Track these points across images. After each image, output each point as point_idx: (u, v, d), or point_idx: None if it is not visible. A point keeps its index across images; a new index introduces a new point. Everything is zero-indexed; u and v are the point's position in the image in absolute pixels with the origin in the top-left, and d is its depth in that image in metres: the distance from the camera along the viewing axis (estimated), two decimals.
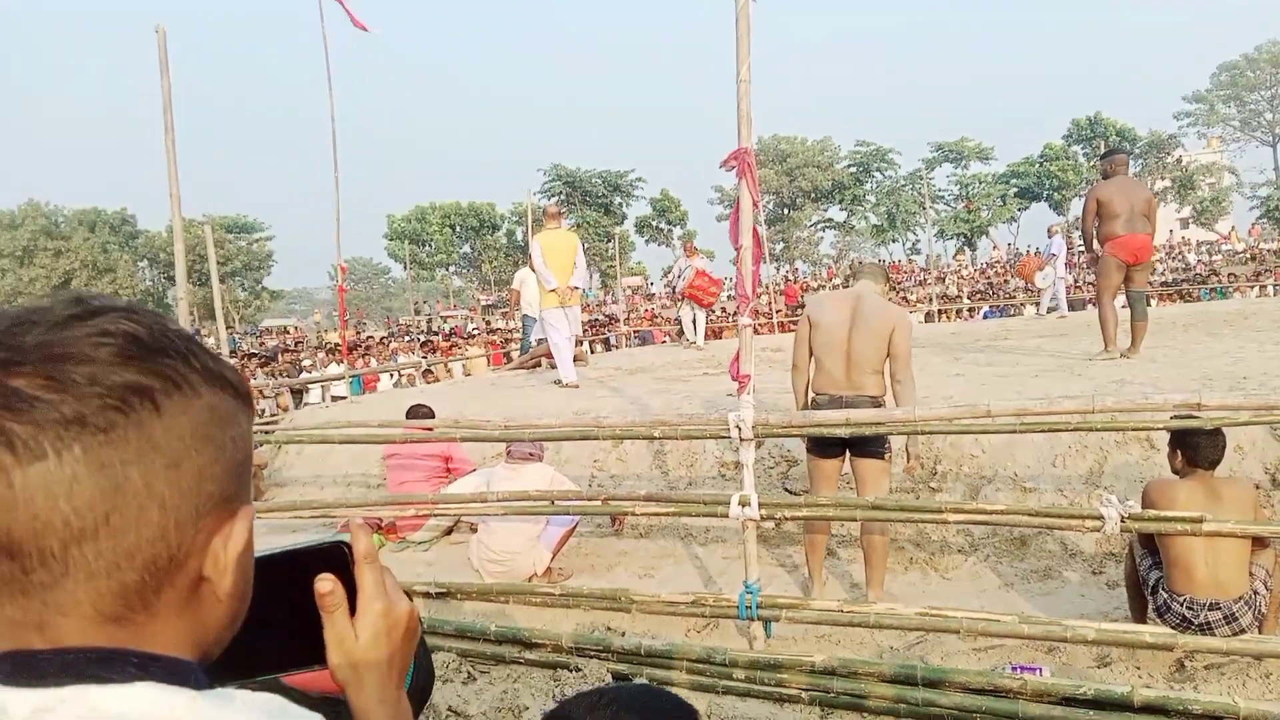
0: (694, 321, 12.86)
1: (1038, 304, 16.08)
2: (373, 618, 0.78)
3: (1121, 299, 8.00)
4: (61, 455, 0.57)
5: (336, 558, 0.79)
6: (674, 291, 13.54)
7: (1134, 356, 7.46)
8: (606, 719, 1.09)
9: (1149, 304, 8.44)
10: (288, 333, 36.57)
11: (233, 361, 13.13)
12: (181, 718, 0.58)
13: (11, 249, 45.03)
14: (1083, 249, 8.33)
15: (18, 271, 45.12)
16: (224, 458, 0.65)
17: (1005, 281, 33.12)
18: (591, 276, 56.33)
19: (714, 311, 13.39)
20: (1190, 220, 52.24)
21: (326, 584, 0.76)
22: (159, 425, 0.61)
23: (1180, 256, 39.48)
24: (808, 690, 3.54)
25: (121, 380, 0.59)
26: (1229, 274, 28.97)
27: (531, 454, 5.09)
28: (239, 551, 0.66)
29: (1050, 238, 16.54)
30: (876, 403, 4.31)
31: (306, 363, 19.47)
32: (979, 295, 30.85)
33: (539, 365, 11.43)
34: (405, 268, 39.70)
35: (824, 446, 4.33)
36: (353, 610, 0.78)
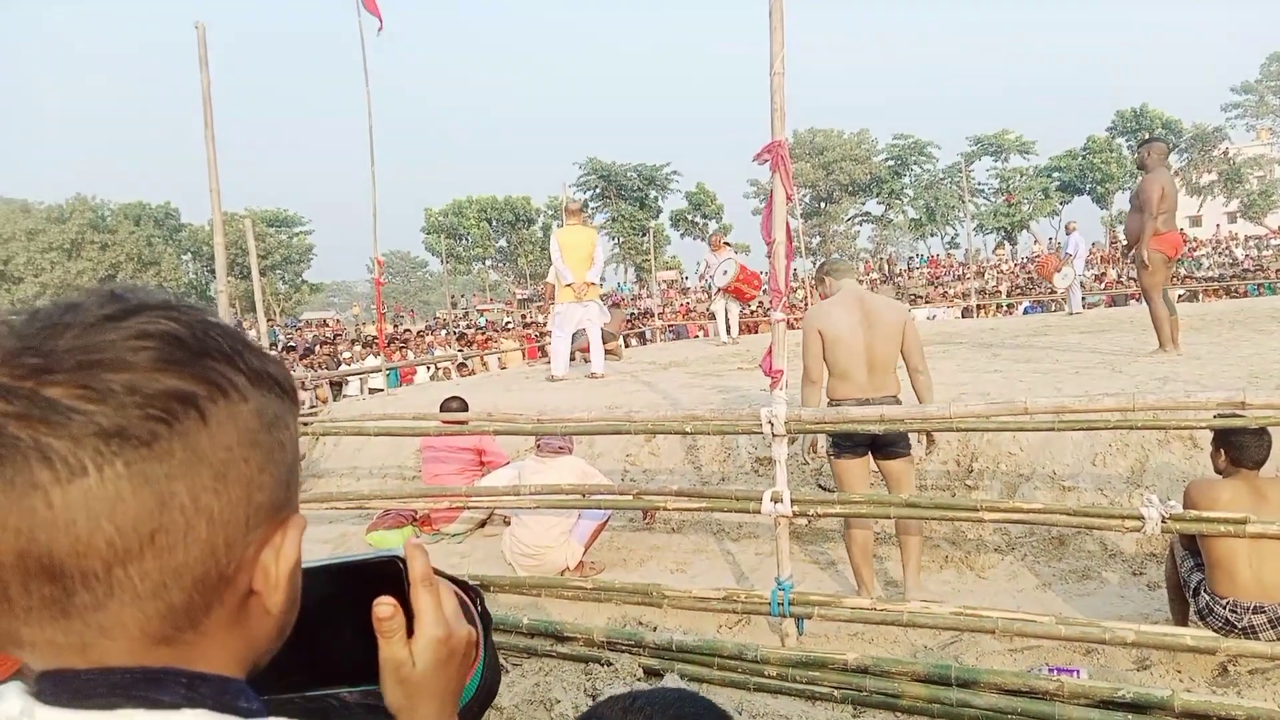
0: (726, 315, 12.70)
1: (1065, 307, 15.56)
2: (432, 646, 0.73)
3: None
4: (103, 471, 0.53)
5: (390, 574, 0.74)
6: (710, 287, 13.28)
7: (1176, 353, 7.35)
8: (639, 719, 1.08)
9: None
10: (326, 325, 36.99)
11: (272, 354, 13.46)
12: None
13: (60, 242, 45.99)
14: (1121, 243, 8.22)
15: (66, 264, 46.09)
16: (273, 464, 0.61)
17: (1103, 273, 32.66)
18: (627, 271, 56.52)
19: (748, 306, 13.17)
20: (1238, 214, 51.08)
21: (387, 608, 0.71)
22: (205, 435, 0.57)
23: (1227, 251, 38.65)
24: (840, 688, 3.52)
25: (163, 387, 0.55)
26: (1278, 269, 28.26)
27: (561, 448, 5.10)
28: (291, 564, 0.63)
29: (1068, 235, 16.18)
30: (898, 400, 4.28)
31: (345, 355, 19.68)
32: (1019, 290, 30.42)
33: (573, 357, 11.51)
34: (442, 261, 39.91)
35: (850, 448, 4.27)
36: (410, 631, 0.73)
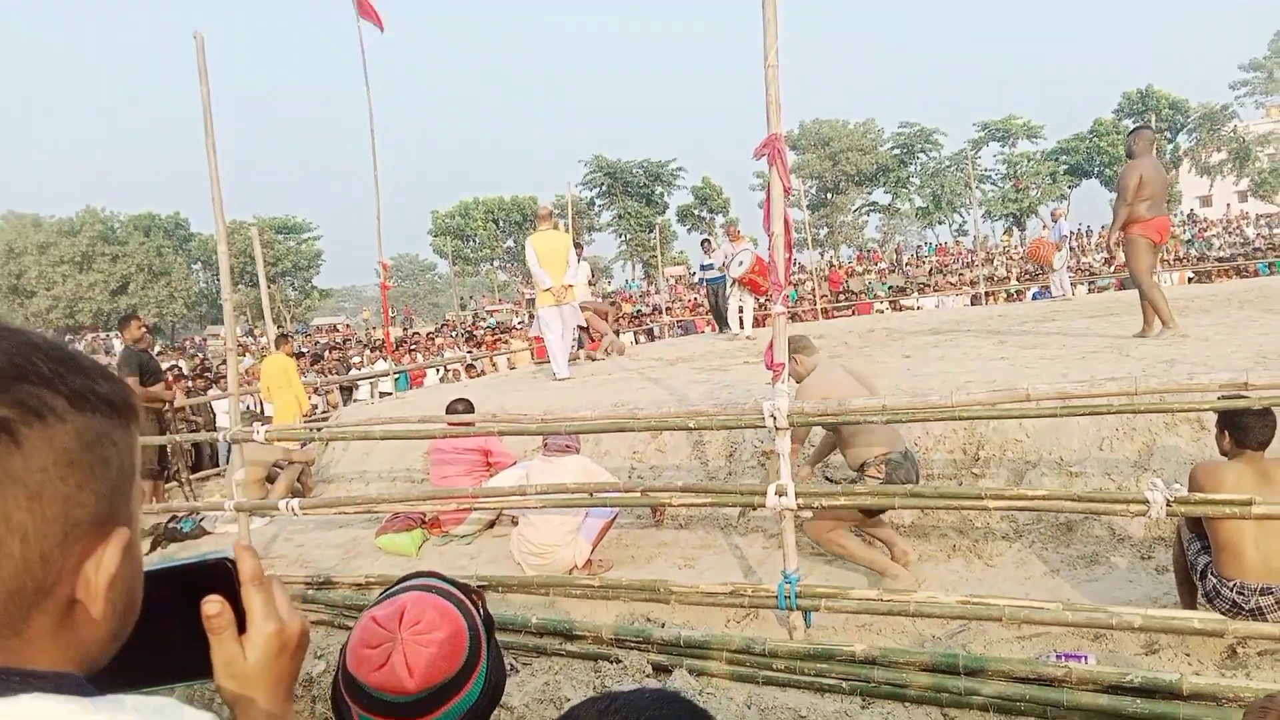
0: (740, 310, 12.45)
1: (1055, 288, 15.56)
2: (263, 640, 0.78)
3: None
4: None
5: (223, 574, 0.79)
6: (700, 281, 13.08)
7: (1150, 335, 7.49)
8: None
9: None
10: (336, 330, 37.11)
11: (246, 363, 13.12)
12: None
13: (71, 255, 46.30)
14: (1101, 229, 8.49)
15: (77, 277, 46.40)
16: (95, 481, 0.64)
17: (1078, 260, 32.48)
18: (634, 268, 56.49)
19: (759, 300, 12.96)
20: (1249, 193, 50.64)
21: (214, 605, 0.76)
22: (18, 457, 0.59)
23: (1238, 230, 38.36)
24: (848, 680, 3.52)
25: None
26: None
27: (568, 446, 5.12)
28: (110, 575, 0.65)
29: (1055, 221, 16.22)
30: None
31: (355, 360, 19.77)
32: (1028, 276, 30.27)
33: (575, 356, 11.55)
34: (450, 263, 40.00)
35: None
36: (243, 628, 0.78)
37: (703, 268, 15.24)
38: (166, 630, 0.78)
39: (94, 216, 48.26)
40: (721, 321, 15.48)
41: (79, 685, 0.63)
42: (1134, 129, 7.75)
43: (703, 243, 16.16)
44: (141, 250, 48.10)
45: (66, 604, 0.64)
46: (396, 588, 1.37)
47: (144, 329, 8.21)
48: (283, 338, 11.63)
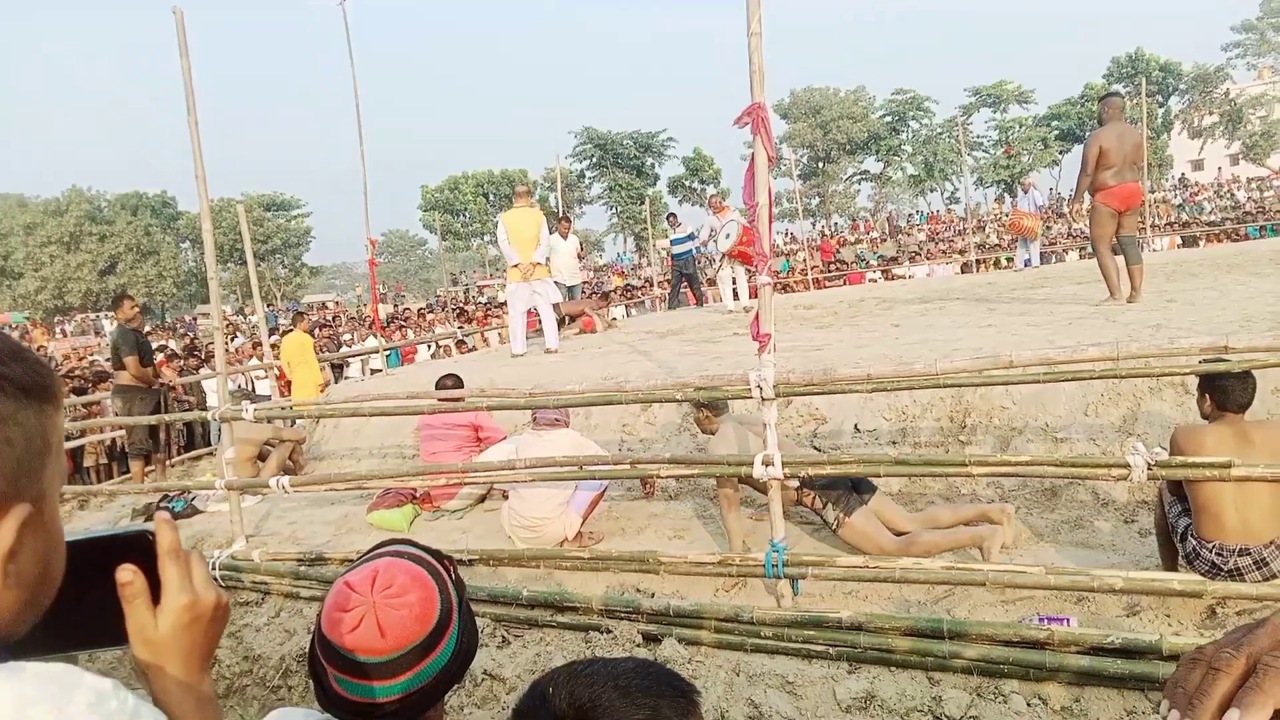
0: (734, 283, 12.21)
1: (1025, 259, 15.50)
2: (175, 611, 0.81)
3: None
4: None
5: (145, 546, 0.82)
6: (716, 254, 12.81)
7: (1138, 300, 7.52)
8: (582, 686, 1.09)
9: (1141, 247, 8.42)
10: (326, 308, 37.01)
11: (272, 339, 13.33)
12: None
13: (59, 235, 45.99)
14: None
15: (65, 257, 46.12)
16: None
17: (1048, 229, 32.42)
18: (626, 241, 56.33)
19: (750, 271, 12.73)
20: (1240, 156, 50.59)
21: (125, 574, 0.79)
22: None
23: (1229, 194, 38.36)
24: (835, 646, 3.57)
25: None
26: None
27: (557, 420, 5.13)
28: (7, 548, 0.67)
29: (1026, 192, 16.05)
30: None
31: (346, 337, 19.73)
32: (1017, 244, 30.25)
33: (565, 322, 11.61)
34: (440, 238, 39.78)
35: (843, 497, 4.45)
36: (159, 599, 0.81)
37: (671, 243, 15.24)
38: (91, 597, 0.81)
39: (80, 196, 47.87)
40: (678, 300, 15.48)
41: None
42: (1104, 95, 7.92)
43: (668, 217, 16.07)
44: (129, 230, 47.76)
45: None
46: (369, 554, 1.40)
47: (136, 308, 8.24)
48: (299, 315, 12.32)
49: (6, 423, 0.67)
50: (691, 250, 15.12)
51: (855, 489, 4.42)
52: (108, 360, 10.86)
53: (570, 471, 4.64)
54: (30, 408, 0.70)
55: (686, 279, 15.54)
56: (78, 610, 0.81)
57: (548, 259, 9.42)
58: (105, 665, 4.48)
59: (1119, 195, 7.39)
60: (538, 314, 9.81)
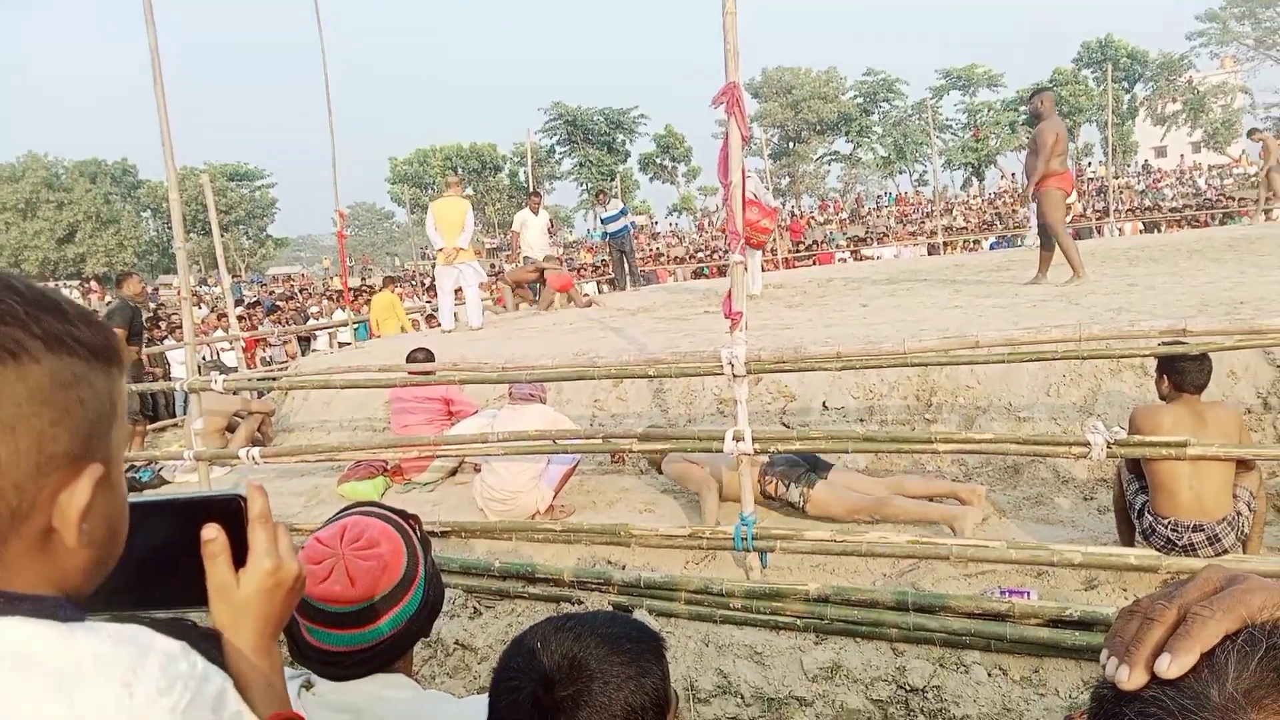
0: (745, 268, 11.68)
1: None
2: (260, 575, 0.83)
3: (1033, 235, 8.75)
4: None
5: (234, 511, 0.84)
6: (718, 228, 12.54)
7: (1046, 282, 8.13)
8: (569, 640, 1.14)
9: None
10: (291, 280, 36.57)
11: (238, 311, 13.39)
12: (50, 645, 0.63)
13: (14, 202, 44.89)
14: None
15: (21, 225, 45.06)
16: (69, 419, 0.68)
17: (1013, 212, 32.81)
18: (596, 218, 56.11)
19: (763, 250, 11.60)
20: (1202, 144, 51.36)
21: (210, 531, 0.81)
22: None
23: (1190, 182, 38.98)
24: (802, 617, 3.64)
25: None
26: (1240, 198, 28.56)
27: (532, 394, 5.15)
28: (82, 506, 0.69)
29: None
30: None
31: (314, 309, 19.54)
32: (986, 226, 30.61)
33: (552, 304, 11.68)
34: (409, 212, 39.43)
35: (806, 473, 4.58)
36: (243, 565, 0.83)
37: (602, 221, 14.84)
38: (176, 558, 0.83)
39: (37, 162, 46.70)
40: (626, 279, 14.97)
41: (57, 608, 0.67)
42: (1038, 90, 8.41)
43: (597, 194, 15.59)
44: (88, 197, 46.69)
45: (43, 532, 0.68)
46: (337, 515, 1.46)
47: (142, 284, 8.38)
48: (389, 279, 17.26)
49: (79, 384, 0.69)
50: (626, 228, 14.72)
51: (814, 467, 4.51)
52: None
53: (543, 445, 4.68)
54: (99, 370, 0.71)
55: (624, 256, 14.95)
56: (164, 570, 0.83)
57: (470, 244, 10.07)
58: None
59: (1069, 180, 7.95)
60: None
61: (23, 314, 0.66)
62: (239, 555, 0.83)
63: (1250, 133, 19.73)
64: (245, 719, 0.74)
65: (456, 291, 10.06)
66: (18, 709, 0.59)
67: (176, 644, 0.70)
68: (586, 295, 12.84)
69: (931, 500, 4.40)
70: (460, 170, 53.84)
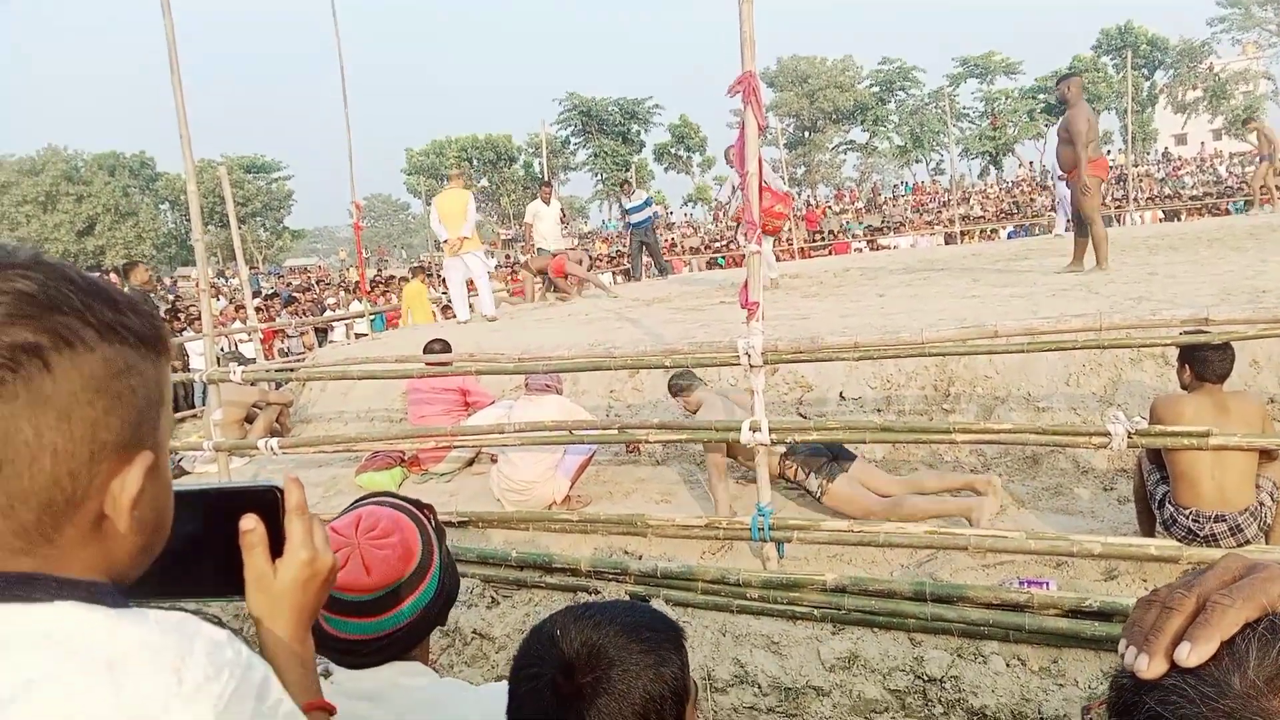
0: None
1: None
2: (296, 565, 0.84)
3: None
4: None
5: (270, 502, 0.85)
6: (732, 217, 12.08)
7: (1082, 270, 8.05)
8: (589, 628, 1.14)
9: None
10: (307, 272, 36.74)
11: (255, 302, 13.48)
12: (100, 631, 0.64)
13: (34, 195, 45.28)
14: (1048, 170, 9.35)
15: (41, 217, 45.45)
16: (121, 407, 0.69)
17: (1031, 200, 32.56)
18: (611, 208, 56.03)
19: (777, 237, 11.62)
20: (1223, 131, 50.74)
21: (249, 521, 0.82)
22: (49, 380, 0.64)
23: (1211, 169, 38.53)
24: (819, 608, 3.63)
25: (10, 340, 0.63)
26: (1261, 187, 28.17)
27: (549, 385, 5.15)
28: (134, 493, 0.70)
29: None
30: None
31: (330, 301, 19.62)
32: (1004, 215, 30.39)
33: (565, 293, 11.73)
34: (425, 203, 39.53)
35: (827, 464, 4.50)
36: (280, 555, 0.84)
37: (626, 211, 14.73)
38: (213, 548, 0.84)
39: (57, 155, 47.09)
40: (641, 270, 14.98)
41: (107, 594, 0.68)
42: (1067, 74, 8.16)
43: (622, 184, 15.53)
44: (107, 190, 47.07)
45: (95, 519, 0.69)
46: (353, 505, 1.48)
47: (149, 271, 8.39)
48: (418, 268, 17.46)
49: (129, 372, 0.70)
50: (650, 218, 14.61)
51: (835, 459, 4.48)
52: None
53: (559, 436, 4.68)
54: (149, 358, 0.72)
55: (646, 248, 14.84)
56: (198, 559, 0.84)
57: (475, 233, 10.18)
58: None
59: (1104, 166, 7.75)
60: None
61: (78, 303, 0.67)
62: (274, 546, 0.85)
63: (1244, 122, 19.56)
64: (286, 706, 0.75)
65: (469, 283, 10.12)
66: (69, 694, 0.60)
67: (222, 632, 0.70)
68: (575, 285, 12.64)
69: (951, 493, 4.38)
70: (475, 161, 53.94)
